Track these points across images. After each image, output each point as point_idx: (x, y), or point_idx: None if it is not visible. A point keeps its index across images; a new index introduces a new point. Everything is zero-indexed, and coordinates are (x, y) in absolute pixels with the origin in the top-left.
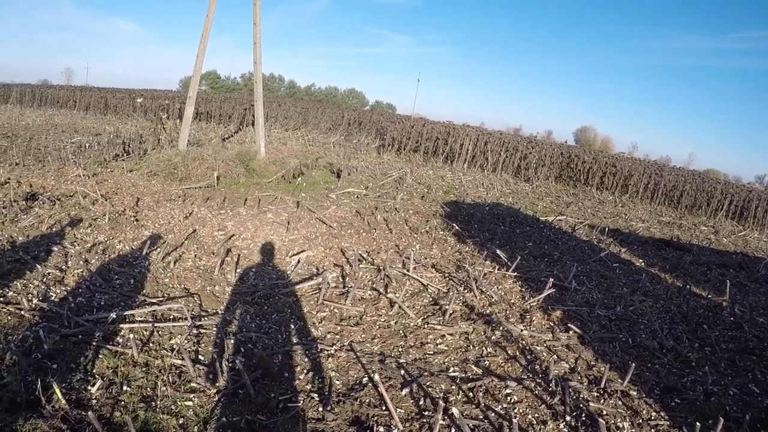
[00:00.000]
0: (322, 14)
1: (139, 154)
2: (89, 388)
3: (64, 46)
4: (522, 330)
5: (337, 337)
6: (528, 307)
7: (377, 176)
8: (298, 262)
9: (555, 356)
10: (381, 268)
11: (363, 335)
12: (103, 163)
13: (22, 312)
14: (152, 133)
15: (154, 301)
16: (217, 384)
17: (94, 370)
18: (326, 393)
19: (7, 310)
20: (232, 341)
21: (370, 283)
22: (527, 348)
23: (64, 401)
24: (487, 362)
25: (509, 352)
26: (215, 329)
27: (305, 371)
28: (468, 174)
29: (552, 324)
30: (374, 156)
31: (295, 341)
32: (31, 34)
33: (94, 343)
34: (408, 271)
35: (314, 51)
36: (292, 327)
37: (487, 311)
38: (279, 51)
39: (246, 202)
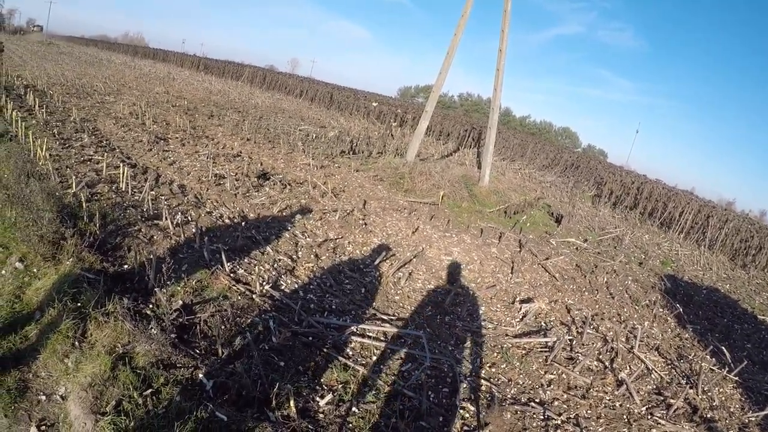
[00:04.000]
0: (545, 47)
1: (366, 156)
2: (318, 399)
3: (293, 39)
4: None
5: (564, 406)
6: (747, 421)
7: (595, 230)
8: (526, 313)
9: None
10: (608, 338)
11: (589, 411)
12: (330, 156)
13: (253, 296)
14: (380, 137)
15: (385, 318)
16: (446, 429)
17: (322, 380)
18: None
19: (238, 289)
20: (465, 384)
21: (596, 353)
22: None
23: (294, 410)
24: None
25: None
26: (446, 366)
27: None
28: (684, 246)
29: None
30: (589, 206)
31: (523, 400)
32: (265, 25)
33: (324, 350)
34: (633, 348)
35: (532, 83)
36: (521, 383)
37: (709, 415)
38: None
39: (469, 228)
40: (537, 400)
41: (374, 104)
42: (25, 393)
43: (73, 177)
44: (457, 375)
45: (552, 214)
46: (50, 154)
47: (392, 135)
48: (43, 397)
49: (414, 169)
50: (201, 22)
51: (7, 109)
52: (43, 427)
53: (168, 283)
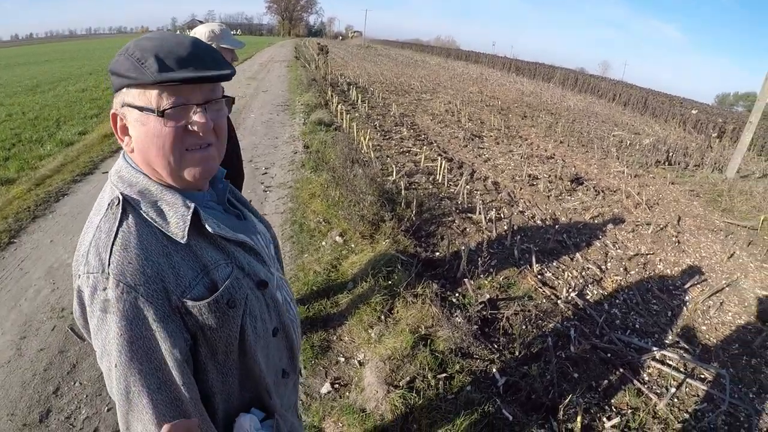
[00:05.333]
0: None
1: (683, 168)
2: (604, 419)
3: (603, 40)
4: None
5: None
6: None
7: None
8: None
9: None
10: None
11: None
12: (644, 165)
13: (558, 301)
14: (698, 149)
15: (688, 348)
16: None
17: (613, 401)
18: None
19: (544, 292)
20: None
21: None
22: None
23: (579, 426)
24: None
25: None
26: (743, 416)
27: None
28: None
29: None
30: None
31: None
32: (574, 26)
33: (620, 370)
34: None
35: None
36: None
37: None
38: None
39: None
40: None
41: (693, 112)
42: (327, 352)
43: (393, 166)
44: (752, 427)
45: None
46: (372, 144)
47: (711, 147)
48: (342, 359)
49: (734, 187)
50: (511, 25)
51: (332, 102)
52: (337, 385)
53: (476, 275)
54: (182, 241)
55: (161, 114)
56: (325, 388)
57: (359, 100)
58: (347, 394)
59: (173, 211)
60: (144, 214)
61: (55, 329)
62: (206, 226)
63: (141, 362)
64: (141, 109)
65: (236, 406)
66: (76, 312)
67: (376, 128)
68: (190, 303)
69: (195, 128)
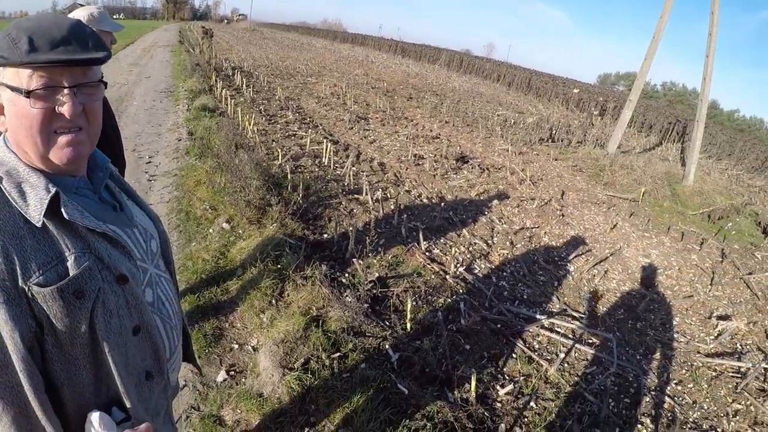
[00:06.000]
0: (759, 32)
1: (565, 144)
2: (498, 388)
3: (489, 23)
4: None
5: None
6: None
7: None
8: (722, 332)
9: None
10: None
11: None
12: (528, 143)
13: (447, 276)
14: (580, 126)
15: (576, 315)
16: None
17: (505, 369)
18: None
19: (433, 268)
20: (648, 398)
21: None
22: None
23: (474, 395)
24: None
25: None
26: (632, 376)
27: None
28: None
29: None
30: None
31: (704, 427)
32: (461, 8)
33: (511, 339)
34: None
35: (742, 73)
36: (705, 407)
37: None
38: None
39: (669, 230)
40: (719, 430)
41: (575, 91)
42: (220, 340)
43: (279, 150)
44: (641, 386)
45: (759, 223)
46: (257, 129)
47: (593, 124)
48: (236, 346)
49: (615, 161)
50: (397, 7)
51: (217, 88)
52: (232, 372)
53: (365, 255)
54: (38, 225)
55: (28, 95)
56: (221, 376)
57: (244, 85)
58: (243, 380)
59: (34, 194)
60: (6, 194)
61: None
62: (63, 212)
63: None
64: (12, 89)
65: (92, 402)
66: None
67: (261, 113)
68: (35, 288)
69: (62, 111)
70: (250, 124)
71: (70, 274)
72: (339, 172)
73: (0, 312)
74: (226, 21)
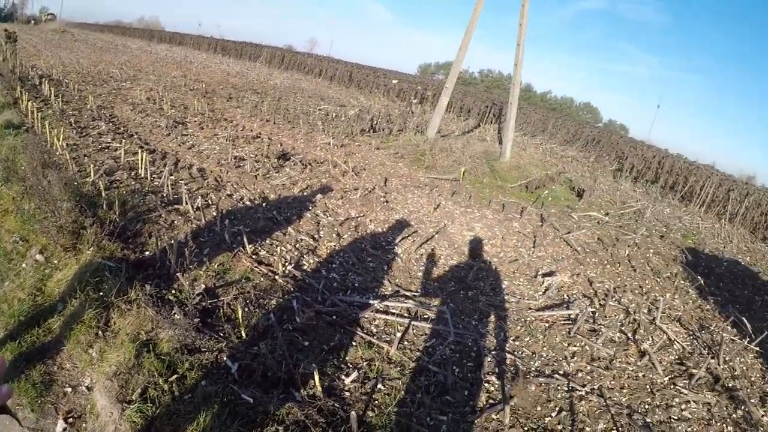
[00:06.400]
0: (567, 22)
1: (387, 134)
2: (343, 377)
3: (311, 18)
4: (762, 416)
5: (588, 378)
6: None
7: (616, 203)
8: (549, 287)
9: None
10: (630, 310)
11: (612, 382)
12: (350, 135)
13: (276, 276)
14: (400, 115)
15: (408, 295)
16: (472, 402)
17: (347, 358)
18: None
19: (261, 270)
20: (489, 358)
21: (618, 324)
22: None
23: (320, 389)
24: None
25: None
26: (471, 341)
27: (557, 409)
28: (705, 220)
29: None
30: (611, 180)
31: (547, 372)
32: (283, 3)
33: (348, 328)
34: (655, 320)
35: (553, 58)
36: (545, 355)
37: (730, 384)
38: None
39: (490, 204)
40: (561, 372)
41: (394, 81)
42: (51, 386)
43: (91, 165)
44: (481, 349)
45: (573, 188)
46: (67, 144)
47: (412, 112)
48: (69, 389)
49: (435, 145)
50: (218, 3)
51: (22, 101)
52: (71, 419)
53: (190, 267)
54: None
55: None
56: (59, 426)
57: (52, 95)
58: (84, 425)
59: None
60: None
61: None
62: None
63: None
64: None
65: None
66: None
67: (71, 125)
68: None
69: None
70: (59, 140)
71: None
72: (157, 183)
73: None
74: (33, 22)
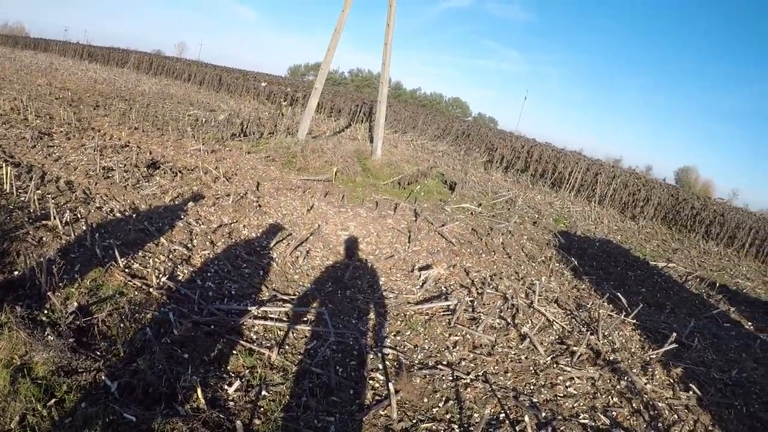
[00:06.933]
0: (435, 21)
1: (257, 137)
2: (226, 387)
3: (178, 21)
4: (645, 383)
5: (471, 365)
6: (648, 359)
7: (488, 194)
8: (426, 280)
9: (675, 416)
10: (508, 296)
11: (496, 367)
12: (221, 140)
13: (150, 289)
14: (270, 117)
15: (286, 298)
16: (358, 401)
17: (229, 367)
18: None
19: (134, 284)
20: (371, 355)
21: (497, 311)
22: (650, 403)
23: (203, 401)
24: (614, 413)
25: (634, 405)
26: (352, 340)
27: (444, 399)
28: (576, 204)
29: (672, 381)
30: (482, 171)
31: (431, 364)
32: (150, 6)
33: (227, 337)
34: (533, 303)
35: (422, 56)
36: (427, 347)
37: (611, 357)
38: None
39: (364, 202)
40: (444, 363)
41: (263, 84)
42: None
43: None
44: (362, 347)
45: (446, 182)
46: None
47: (282, 114)
48: None
49: (306, 147)
50: (84, 7)
51: None
52: None
53: (60, 285)
54: None
55: None
56: None
57: None
58: None
59: None
60: None
61: None
62: None
63: None
64: None
65: None
66: None
67: None
68: None
69: None
70: None
71: None
72: (23, 198)
73: None
74: None
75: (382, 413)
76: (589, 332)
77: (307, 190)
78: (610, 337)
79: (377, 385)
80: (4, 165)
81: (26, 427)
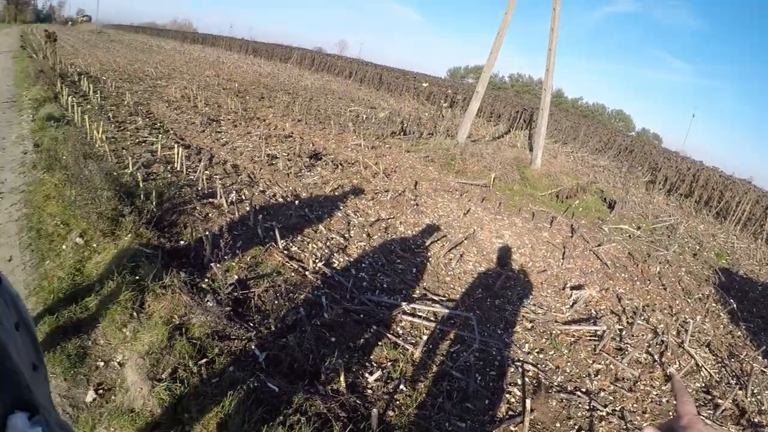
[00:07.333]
0: (597, 27)
1: (417, 137)
2: (367, 375)
3: (341, 20)
4: None
5: (610, 398)
6: None
7: (648, 217)
8: (576, 300)
9: None
10: (658, 331)
11: (635, 404)
12: (381, 137)
13: (306, 272)
14: (431, 118)
15: (436, 299)
16: (491, 412)
17: (372, 357)
18: None
19: (292, 266)
20: (512, 369)
21: (645, 345)
22: None
23: (344, 384)
24: None
25: None
26: (495, 350)
27: (576, 428)
28: (741, 239)
29: None
30: (643, 192)
31: (569, 389)
32: (312, 6)
33: (374, 327)
34: (684, 343)
35: (584, 63)
36: (568, 371)
37: (756, 420)
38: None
39: (520, 212)
40: (583, 390)
41: (424, 85)
42: (84, 359)
43: (130, 158)
44: (504, 359)
45: (605, 199)
46: (106, 137)
47: (443, 116)
48: (102, 363)
49: (465, 150)
50: (248, 6)
51: (62, 95)
52: (101, 390)
53: (224, 258)
54: None
55: None
56: (90, 396)
57: (91, 91)
58: (113, 397)
59: None
60: None
61: None
62: None
63: None
64: None
65: None
66: None
67: (109, 120)
68: None
69: None
70: (98, 132)
71: None
72: (192, 177)
73: None
74: (70, 23)
75: (512, 429)
76: (737, 386)
77: (464, 194)
78: (758, 396)
79: (513, 400)
80: (176, 146)
81: (176, 379)
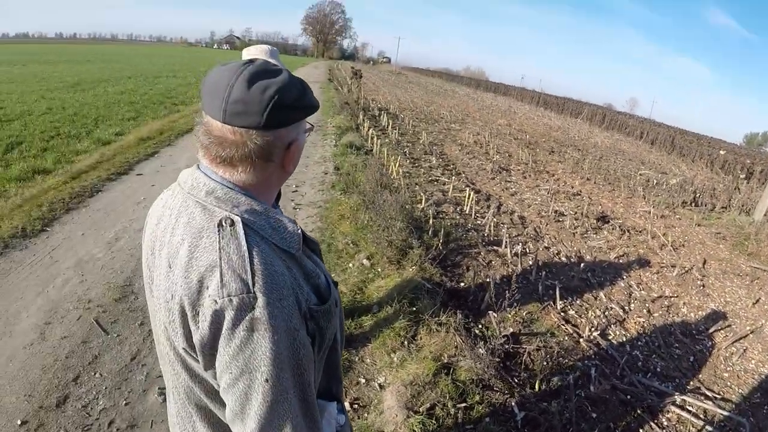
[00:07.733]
0: None
1: (709, 209)
2: None
3: (630, 77)
4: None
5: None
6: None
7: None
8: None
9: None
10: None
11: None
12: (671, 206)
13: (580, 339)
14: (725, 190)
15: (709, 394)
16: None
17: None
18: None
19: (567, 329)
20: None
21: None
22: None
23: None
24: None
25: None
26: None
27: None
28: None
29: None
30: None
31: None
32: (601, 62)
33: (639, 412)
34: None
35: None
36: None
37: None
38: None
39: None
40: None
41: (722, 152)
42: (348, 372)
43: (422, 194)
44: None
45: None
46: (402, 171)
47: (738, 188)
48: (363, 381)
49: (761, 230)
50: (539, 58)
51: (364, 127)
52: (356, 405)
53: (502, 308)
54: (297, 254)
55: (307, 131)
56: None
57: (390, 126)
58: (366, 414)
59: (283, 227)
60: (261, 232)
61: (80, 319)
62: (307, 237)
63: (293, 371)
64: (307, 128)
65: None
66: (203, 338)
67: (405, 155)
68: (314, 308)
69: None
70: (395, 165)
71: (323, 289)
72: (479, 222)
73: (300, 338)
74: (372, 62)
75: None
76: None
77: (755, 280)
78: None
79: None
80: (467, 189)
81: (432, 416)
